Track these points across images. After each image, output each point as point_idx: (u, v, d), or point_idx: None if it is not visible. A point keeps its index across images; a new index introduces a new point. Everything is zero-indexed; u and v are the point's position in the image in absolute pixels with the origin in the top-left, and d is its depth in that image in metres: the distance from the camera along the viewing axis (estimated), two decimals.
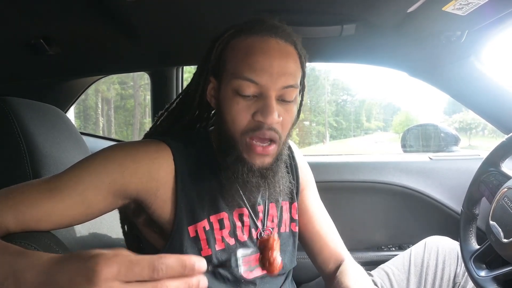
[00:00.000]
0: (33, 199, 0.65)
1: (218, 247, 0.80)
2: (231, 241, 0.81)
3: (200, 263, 0.43)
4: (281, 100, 0.75)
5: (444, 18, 1.00)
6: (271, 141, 0.75)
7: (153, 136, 0.89)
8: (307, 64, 0.84)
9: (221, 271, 0.79)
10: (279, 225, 0.90)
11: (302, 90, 0.84)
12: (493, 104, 1.39)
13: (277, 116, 0.72)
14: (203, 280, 0.44)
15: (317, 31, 1.10)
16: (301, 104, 0.87)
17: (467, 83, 1.37)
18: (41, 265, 0.45)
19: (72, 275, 0.42)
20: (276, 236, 0.82)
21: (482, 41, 1.20)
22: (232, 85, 0.74)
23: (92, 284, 0.40)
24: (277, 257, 0.75)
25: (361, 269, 0.96)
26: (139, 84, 12.54)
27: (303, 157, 1.05)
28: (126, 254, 0.42)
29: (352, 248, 1.48)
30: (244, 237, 0.83)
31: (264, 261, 0.75)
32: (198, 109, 0.87)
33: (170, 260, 0.41)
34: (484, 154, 1.03)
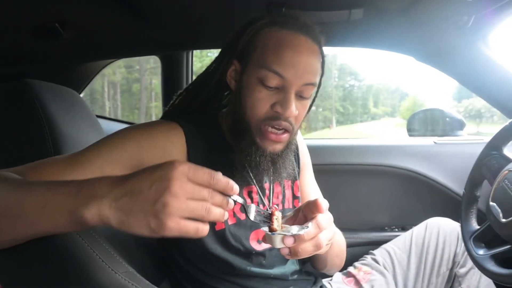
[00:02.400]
0: (57, 172, 0.69)
1: (230, 222, 0.85)
2: (242, 216, 0.87)
3: (235, 186, 0.55)
4: (299, 96, 0.80)
5: (451, 3, 1.01)
6: (285, 130, 0.80)
7: (169, 116, 0.93)
8: None
9: (234, 243, 0.85)
10: (283, 202, 0.96)
11: (318, 88, 0.88)
12: (499, 89, 1.39)
13: (294, 110, 0.78)
14: (231, 203, 0.56)
15: (325, 15, 1.11)
16: (314, 100, 0.92)
17: (474, 68, 1.38)
18: (111, 179, 0.54)
19: (153, 174, 0.51)
20: (277, 212, 0.86)
21: (489, 26, 1.20)
22: (258, 73, 0.78)
23: (171, 176, 0.50)
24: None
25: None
26: (145, 68, 12.53)
27: (303, 140, 1.10)
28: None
29: (356, 229, 1.54)
30: None
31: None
32: (215, 88, 0.90)
33: (221, 176, 0.54)
34: (488, 139, 1.06)
